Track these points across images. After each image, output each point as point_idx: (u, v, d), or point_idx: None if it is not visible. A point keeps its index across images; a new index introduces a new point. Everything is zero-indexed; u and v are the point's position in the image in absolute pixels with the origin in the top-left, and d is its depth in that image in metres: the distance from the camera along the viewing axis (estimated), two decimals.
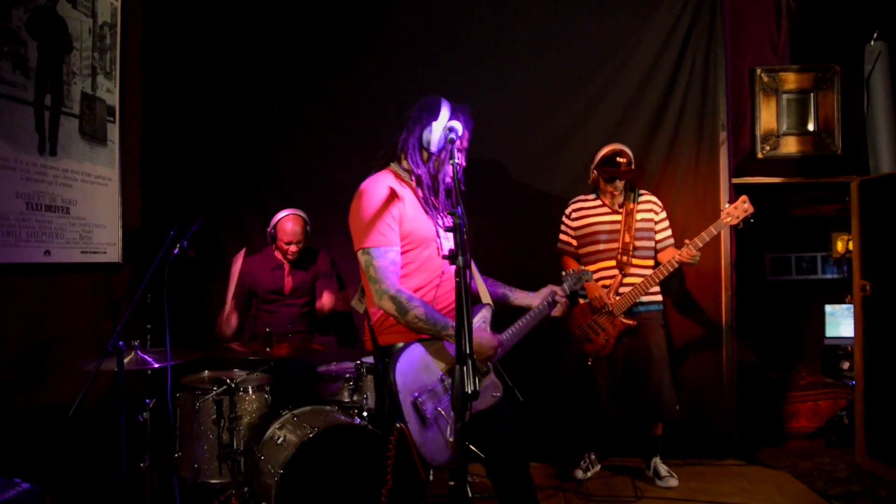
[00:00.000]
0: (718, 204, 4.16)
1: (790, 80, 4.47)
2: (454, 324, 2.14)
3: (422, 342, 2.34)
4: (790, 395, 4.87)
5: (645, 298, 3.76)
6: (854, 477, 4.06)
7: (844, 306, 5.74)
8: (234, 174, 4.52)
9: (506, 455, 2.49)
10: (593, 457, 4.01)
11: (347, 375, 3.50)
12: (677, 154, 4.27)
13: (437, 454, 2.29)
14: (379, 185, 2.37)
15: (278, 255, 3.96)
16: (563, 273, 2.88)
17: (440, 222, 2.43)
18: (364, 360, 3.46)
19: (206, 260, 4.31)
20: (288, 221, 3.85)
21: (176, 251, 2.98)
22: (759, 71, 4.47)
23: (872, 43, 4.33)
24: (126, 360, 3.08)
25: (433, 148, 2.41)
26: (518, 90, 4.33)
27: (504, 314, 2.62)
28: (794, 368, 5.15)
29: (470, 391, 1.85)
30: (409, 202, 2.39)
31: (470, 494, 3.44)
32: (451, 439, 2.28)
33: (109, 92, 4.09)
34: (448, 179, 2.44)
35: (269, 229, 3.92)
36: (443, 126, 2.38)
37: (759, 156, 4.48)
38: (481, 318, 2.46)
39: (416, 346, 2.33)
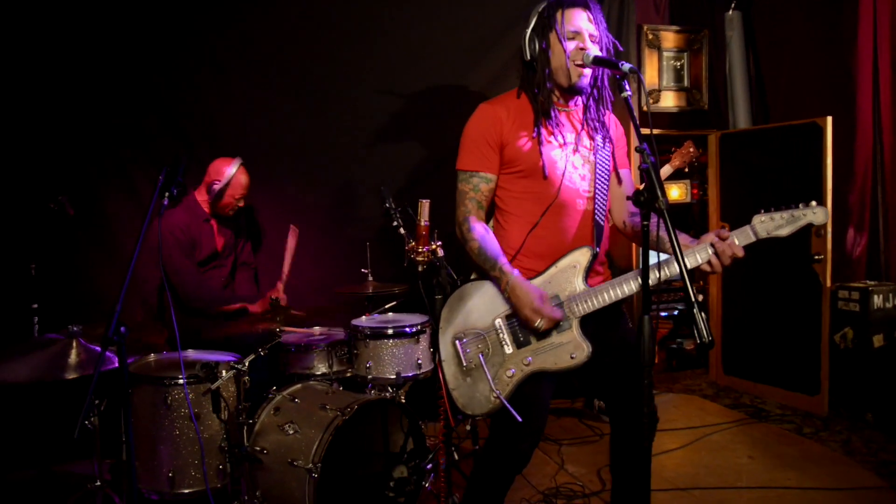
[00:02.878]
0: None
1: (670, 39, 4.87)
2: (504, 263, 2.04)
3: (489, 282, 2.13)
4: None
5: None
6: (720, 392, 4.73)
7: None
8: (114, 111, 3.53)
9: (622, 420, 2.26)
10: None
11: (323, 344, 3.07)
12: None
13: (471, 404, 2.13)
14: (485, 106, 2.18)
15: (204, 206, 3.26)
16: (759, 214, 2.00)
17: (569, 150, 2.15)
18: (356, 322, 3.05)
19: (83, 220, 3.38)
20: (243, 174, 3.25)
21: (166, 201, 2.24)
22: (645, 28, 4.78)
23: (730, 12, 4.90)
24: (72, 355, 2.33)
25: (527, 56, 2.14)
26: (437, 42, 4.04)
27: None
28: None
29: (707, 340, 1.71)
30: (517, 127, 2.13)
31: (456, 457, 3.29)
32: (493, 395, 2.09)
33: None
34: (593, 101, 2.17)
35: (217, 185, 3.21)
36: (531, 28, 2.12)
37: (644, 108, 4.82)
38: (570, 263, 2.13)
39: (477, 283, 2.16)
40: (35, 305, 2.84)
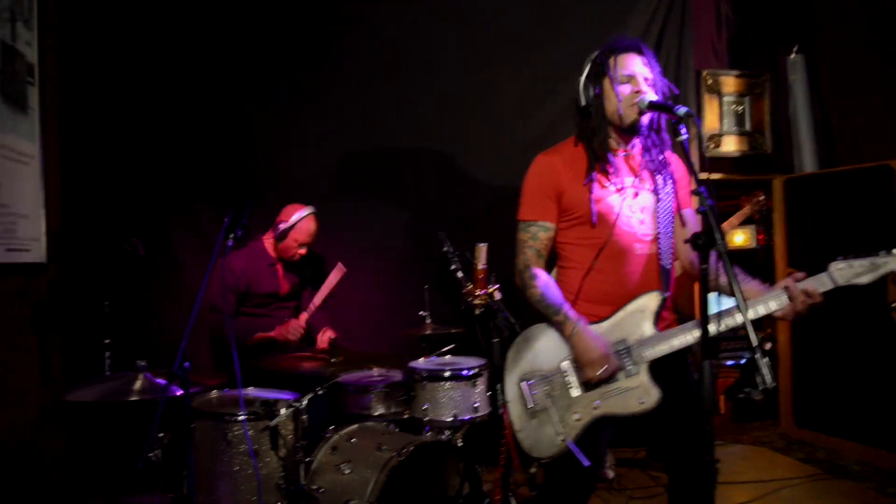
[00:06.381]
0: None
1: (730, 83, 4.84)
2: (568, 310, 2.06)
3: (550, 325, 2.15)
4: None
5: None
6: (792, 445, 4.50)
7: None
8: (182, 159, 3.75)
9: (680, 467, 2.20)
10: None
11: (381, 385, 3.09)
12: None
13: (537, 446, 2.10)
14: (542, 157, 2.22)
15: (271, 250, 3.37)
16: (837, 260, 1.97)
17: (627, 194, 2.14)
18: (414, 364, 3.07)
19: (154, 260, 3.55)
20: (311, 222, 3.38)
21: (230, 242, 2.34)
22: (704, 73, 4.77)
23: (793, 56, 4.84)
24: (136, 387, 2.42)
25: (582, 102, 2.16)
26: (494, 89, 4.14)
27: None
28: None
29: (770, 385, 1.67)
30: (573, 175, 2.15)
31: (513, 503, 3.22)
32: (559, 438, 2.06)
33: (29, 45, 3.15)
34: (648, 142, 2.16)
35: (283, 225, 3.35)
36: (585, 75, 2.16)
37: (706, 154, 4.78)
38: (639, 307, 2.10)
39: (543, 325, 2.17)
40: (107, 341, 2.97)
